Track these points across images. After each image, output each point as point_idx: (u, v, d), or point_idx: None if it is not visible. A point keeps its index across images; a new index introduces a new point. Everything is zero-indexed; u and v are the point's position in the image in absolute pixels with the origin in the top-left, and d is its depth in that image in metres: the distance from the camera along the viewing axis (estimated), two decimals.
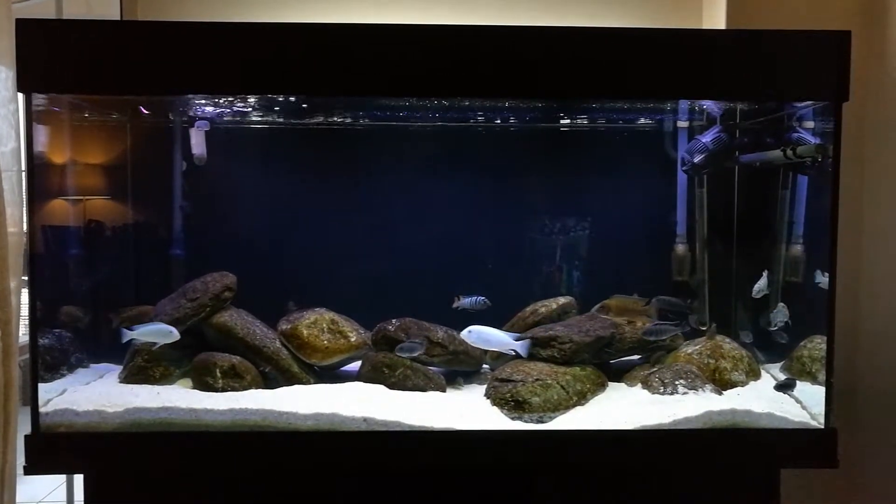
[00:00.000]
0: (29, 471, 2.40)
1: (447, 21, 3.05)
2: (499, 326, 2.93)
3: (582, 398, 2.60)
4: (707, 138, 2.96)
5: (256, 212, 3.16)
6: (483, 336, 2.61)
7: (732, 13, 3.06)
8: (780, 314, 2.81)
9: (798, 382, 2.68)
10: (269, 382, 2.71)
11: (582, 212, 3.22)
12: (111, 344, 2.92)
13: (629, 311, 2.74)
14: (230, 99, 2.80)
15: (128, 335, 2.62)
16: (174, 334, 2.62)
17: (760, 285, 2.82)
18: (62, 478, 3.71)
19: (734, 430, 2.46)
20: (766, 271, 2.83)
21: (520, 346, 2.63)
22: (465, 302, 2.72)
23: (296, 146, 3.20)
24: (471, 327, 2.63)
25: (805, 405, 2.56)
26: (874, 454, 3.10)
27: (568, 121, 3.21)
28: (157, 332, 2.62)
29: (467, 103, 2.85)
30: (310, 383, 2.72)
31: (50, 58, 2.35)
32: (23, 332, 2.80)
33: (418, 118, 3.10)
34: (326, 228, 3.14)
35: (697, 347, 2.85)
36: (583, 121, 3.20)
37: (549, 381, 2.56)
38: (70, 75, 2.38)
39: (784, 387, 2.66)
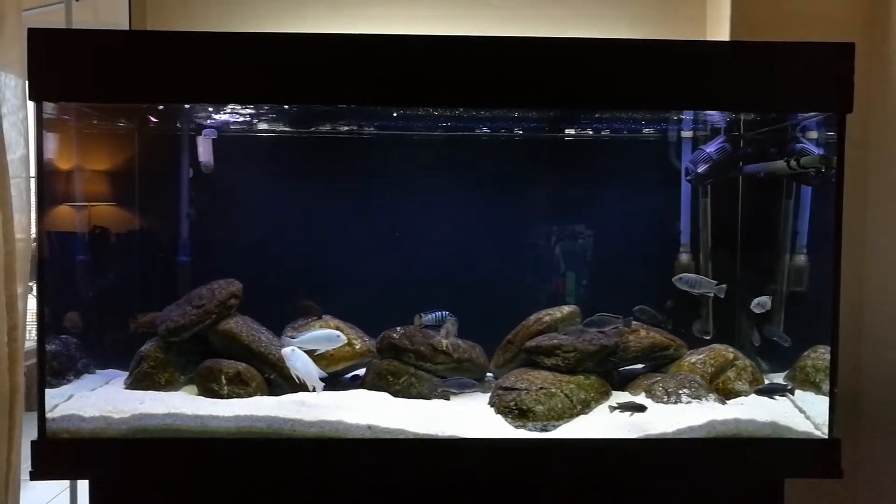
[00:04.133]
0: (35, 476, 2.41)
1: (449, 32, 3.07)
2: (503, 335, 2.95)
3: (586, 407, 2.61)
4: (711, 148, 2.98)
5: (262, 220, 3.18)
6: (294, 363, 2.53)
7: (736, 25, 3.08)
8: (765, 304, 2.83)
9: (799, 391, 2.69)
10: (274, 389, 2.72)
11: (586, 221, 3.24)
12: (117, 349, 2.95)
13: None
14: (238, 107, 2.82)
15: (290, 343, 2.60)
16: (341, 338, 2.60)
17: (762, 301, 2.83)
18: (65, 483, 3.71)
19: (737, 439, 2.46)
20: (770, 297, 2.86)
21: (320, 387, 2.57)
22: (429, 318, 2.68)
23: (302, 154, 3.22)
24: (294, 348, 2.56)
25: (809, 415, 2.56)
26: (878, 463, 3.10)
27: (573, 131, 3.22)
28: (323, 338, 2.60)
29: (473, 113, 2.87)
30: (314, 391, 2.72)
31: (60, 67, 2.37)
32: (27, 338, 2.82)
33: (424, 127, 3.12)
34: (332, 236, 3.15)
35: (701, 357, 2.85)
36: (587, 131, 3.22)
37: (553, 390, 2.57)
38: (80, 84, 2.40)
39: (766, 392, 2.65)
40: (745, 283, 3.02)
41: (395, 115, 2.94)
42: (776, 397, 2.66)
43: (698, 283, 2.79)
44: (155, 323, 2.84)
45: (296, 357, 2.56)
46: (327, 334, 2.63)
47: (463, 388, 2.68)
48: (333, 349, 2.70)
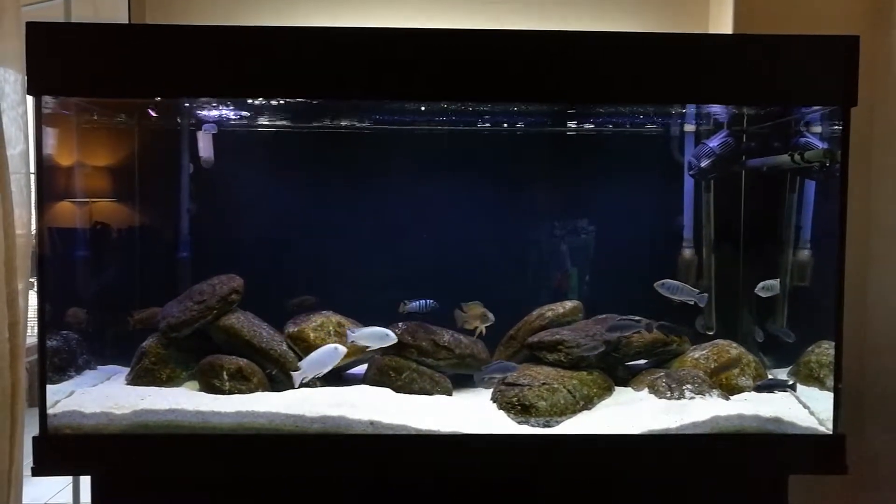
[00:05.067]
0: (37, 472, 2.40)
1: (449, 25, 3.05)
2: (505, 330, 2.94)
3: (589, 402, 2.60)
4: (714, 143, 2.96)
5: (263, 215, 3.17)
6: (317, 358, 2.63)
7: (739, 18, 3.06)
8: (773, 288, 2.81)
9: (803, 387, 2.67)
10: (276, 385, 2.71)
11: (589, 216, 3.22)
12: (118, 345, 2.94)
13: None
14: (238, 102, 2.81)
15: (351, 336, 2.67)
16: (391, 337, 2.67)
17: (768, 284, 2.80)
18: (68, 479, 3.72)
19: (741, 435, 2.45)
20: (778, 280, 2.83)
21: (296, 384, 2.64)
22: (413, 305, 2.77)
23: (303, 149, 3.20)
24: (336, 345, 2.64)
25: (813, 410, 2.55)
26: (882, 457, 3.09)
27: (575, 125, 3.21)
28: (374, 336, 2.67)
29: (475, 107, 2.85)
30: (316, 386, 2.72)
31: (59, 61, 2.35)
32: (28, 334, 2.81)
33: (424, 122, 3.10)
34: (333, 232, 3.14)
35: (704, 352, 2.84)
36: (590, 125, 3.20)
37: (556, 386, 2.56)
38: (79, 78, 2.39)
39: (766, 388, 2.65)
40: (749, 278, 3.00)
41: (396, 108, 2.93)
42: (776, 392, 2.65)
43: (679, 290, 2.75)
44: (153, 319, 2.83)
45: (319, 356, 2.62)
46: (379, 332, 2.67)
47: (505, 372, 2.68)
48: None
